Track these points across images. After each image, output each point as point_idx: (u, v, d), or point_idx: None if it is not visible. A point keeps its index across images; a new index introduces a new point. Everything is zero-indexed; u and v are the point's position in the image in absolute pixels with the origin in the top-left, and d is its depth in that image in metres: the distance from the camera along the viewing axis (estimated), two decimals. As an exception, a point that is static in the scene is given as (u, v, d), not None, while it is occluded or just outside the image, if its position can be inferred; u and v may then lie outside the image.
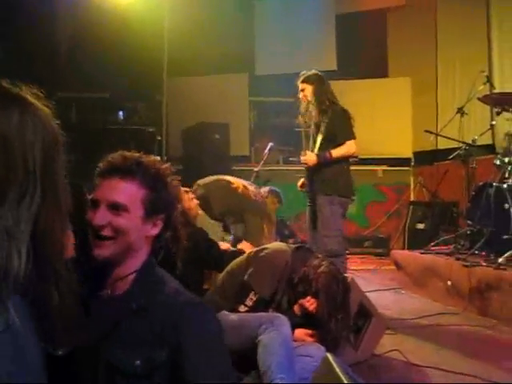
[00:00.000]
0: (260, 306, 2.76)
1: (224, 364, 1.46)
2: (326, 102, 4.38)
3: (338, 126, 4.36)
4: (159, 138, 8.31)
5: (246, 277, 2.81)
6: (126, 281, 1.50)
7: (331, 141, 4.35)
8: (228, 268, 2.98)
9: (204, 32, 8.33)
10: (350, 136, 4.35)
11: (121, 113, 8.73)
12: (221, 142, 7.72)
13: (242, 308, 2.75)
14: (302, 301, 2.81)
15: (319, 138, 4.39)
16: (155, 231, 1.55)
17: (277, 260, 2.88)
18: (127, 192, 1.50)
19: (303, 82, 4.48)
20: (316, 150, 4.41)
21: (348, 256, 4.98)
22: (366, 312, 3.23)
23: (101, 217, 1.48)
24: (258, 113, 9.47)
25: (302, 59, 8.62)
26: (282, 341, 2.42)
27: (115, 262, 1.50)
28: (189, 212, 3.43)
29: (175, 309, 1.43)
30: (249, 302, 2.74)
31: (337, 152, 4.33)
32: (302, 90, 4.47)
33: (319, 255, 3.03)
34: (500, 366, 3.13)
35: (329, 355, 1.66)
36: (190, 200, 3.55)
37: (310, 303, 2.78)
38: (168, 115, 8.67)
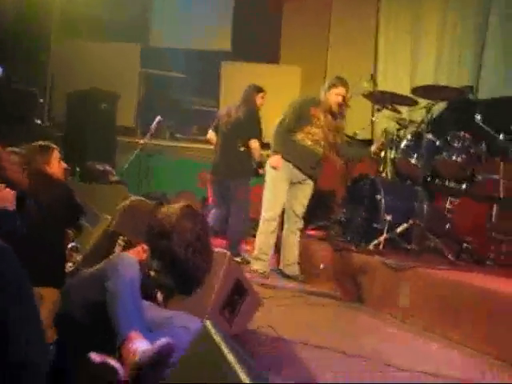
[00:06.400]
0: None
1: None
2: None
3: None
4: (41, 101, 7.91)
5: (110, 229, 2.76)
6: None
7: None
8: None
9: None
10: None
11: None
12: (107, 111, 7.49)
13: None
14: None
15: None
16: None
17: (140, 206, 2.79)
18: None
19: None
20: None
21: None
22: (241, 288, 3.32)
23: None
24: (147, 85, 9.30)
25: (197, 35, 8.62)
26: (123, 284, 2.29)
27: None
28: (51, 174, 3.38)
29: None
30: (118, 250, 2.63)
31: None
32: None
33: None
34: (360, 342, 3.39)
35: (208, 323, 1.70)
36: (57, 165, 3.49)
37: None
38: (53, 78, 8.27)
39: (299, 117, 4.93)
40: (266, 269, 4.96)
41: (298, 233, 5.08)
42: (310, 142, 4.91)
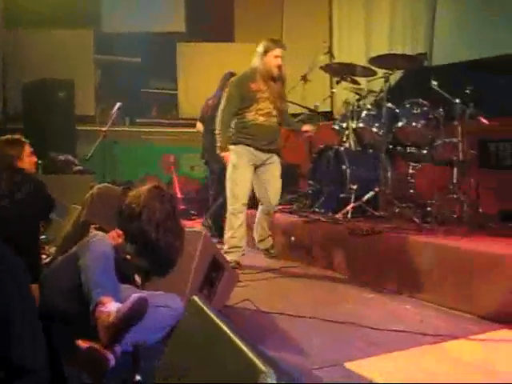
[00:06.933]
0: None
1: None
2: None
3: None
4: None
5: (81, 219, 2.80)
6: None
7: None
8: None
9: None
10: None
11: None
12: (65, 100, 7.38)
13: None
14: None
15: None
16: None
17: (108, 192, 2.89)
18: None
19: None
20: None
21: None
22: (218, 265, 3.37)
23: None
24: (103, 72, 9.17)
25: (150, 18, 8.53)
26: (94, 258, 2.33)
27: None
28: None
29: None
30: None
31: None
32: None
33: None
34: (337, 308, 3.49)
35: (195, 298, 1.74)
36: (28, 159, 3.51)
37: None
38: (5, 71, 8.07)
39: (241, 97, 4.66)
40: (239, 258, 4.72)
41: (272, 215, 5.14)
42: (262, 118, 4.68)
